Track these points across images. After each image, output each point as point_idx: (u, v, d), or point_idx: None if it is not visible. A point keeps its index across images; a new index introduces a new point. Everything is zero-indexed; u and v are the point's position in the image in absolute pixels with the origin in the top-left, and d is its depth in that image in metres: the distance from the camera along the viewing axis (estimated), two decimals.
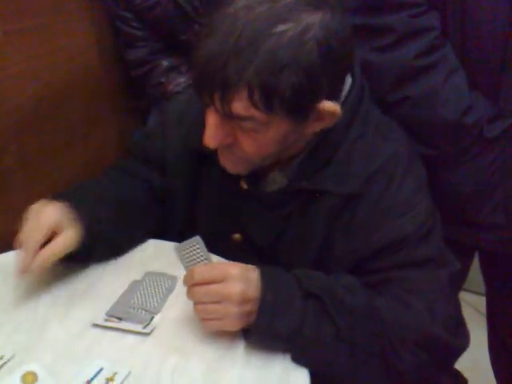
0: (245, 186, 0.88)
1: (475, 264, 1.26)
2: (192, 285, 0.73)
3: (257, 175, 0.88)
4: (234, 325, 0.73)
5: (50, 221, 0.80)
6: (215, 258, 0.86)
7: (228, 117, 0.71)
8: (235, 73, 0.66)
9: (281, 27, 0.66)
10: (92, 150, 1.06)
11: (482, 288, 1.31)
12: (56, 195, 0.87)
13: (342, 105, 0.79)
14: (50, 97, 1.25)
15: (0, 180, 1.18)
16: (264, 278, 0.74)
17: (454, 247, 1.03)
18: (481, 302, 1.46)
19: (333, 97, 0.74)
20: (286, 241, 0.88)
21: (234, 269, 0.73)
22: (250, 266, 0.75)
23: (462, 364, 1.57)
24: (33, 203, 1.22)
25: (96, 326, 0.79)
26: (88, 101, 1.36)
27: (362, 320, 0.75)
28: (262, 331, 0.73)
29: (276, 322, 0.72)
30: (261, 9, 0.66)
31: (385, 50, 0.92)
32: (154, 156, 0.96)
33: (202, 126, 0.85)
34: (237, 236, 0.91)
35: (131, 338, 0.78)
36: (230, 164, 0.81)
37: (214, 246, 0.88)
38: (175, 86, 1.36)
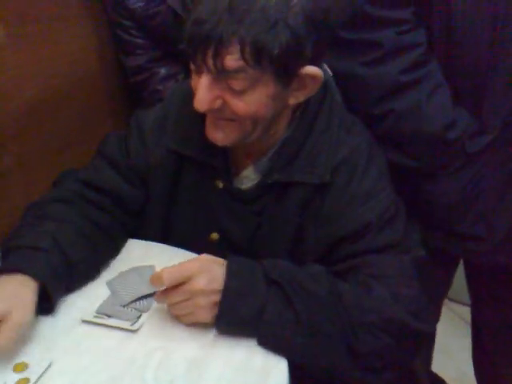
0: (220, 185, 0.93)
1: (463, 275, 1.29)
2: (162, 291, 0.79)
3: (230, 174, 0.93)
4: (205, 316, 0.79)
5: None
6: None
7: (220, 73, 0.76)
8: (229, 29, 0.72)
9: None
10: (90, 152, 1.09)
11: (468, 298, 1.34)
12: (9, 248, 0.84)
13: (308, 101, 0.86)
14: (49, 100, 1.28)
15: None
16: (229, 267, 0.79)
17: (438, 255, 1.06)
18: (469, 312, 1.49)
19: (315, 64, 0.80)
20: (261, 235, 0.92)
21: (197, 265, 0.78)
22: (215, 259, 0.81)
23: (447, 374, 1.60)
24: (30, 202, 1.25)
25: (85, 322, 0.82)
26: (87, 105, 1.39)
27: (322, 304, 0.78)
28: (225, 317, 0.78)
29: (238, 308, 0.77)
30: None
31: (372, 65, 0.95)
32: (136, 168, 0.96)
33: (180, 128, 0.93)
34: (214, 235, 0.95)
35: (119, 335, 0.81)
36: (220, 135, 0.84)
37: (192, 247, 0.93)
38: None
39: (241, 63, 0.74)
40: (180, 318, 0.81)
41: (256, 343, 0.79)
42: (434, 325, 0.87)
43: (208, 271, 0.78)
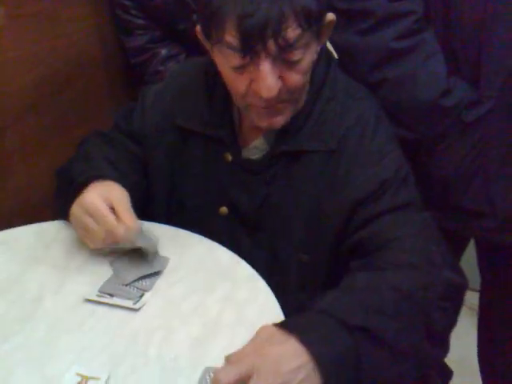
0: (229, 158, 0.93)
1: (467, 259, 1.28)
2: None
3: (239, 146, 0.93)
4: None
5: (103, 201, 0.84)
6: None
7: (282, 50, 0.77)
8: (283, 7, 0.74)
9: None
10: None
11: (473, 283, 1.34)
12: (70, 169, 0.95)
13: (314, 70, 0.87)
14: (50, 81, 1.27)
15: (0, 160, 1.20)
16: (300, 334, 0.66)
17: (445, 235, 1.05)
18: (470, 296, 1.49)
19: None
20: (270, 205, 0.92)
21: (259, 359, 0.64)
22: (270, 338, 0.67)
23: (449, 356, 1.60)
24: (32, 183, 1.26)
25: (88, 301, 0.83)
26: (87, 86, 1.39)
27: (398, 313, 0.73)
28: None
29: (342, 370, 0.66)
30: None
31: (366, 33, 0.95)
32: (135, 133, 1.02)
33: (181, 104, 0.96)
34: (223, 209, 0.95)
35: (121, 313, 0.81)
36: (278, 118, 0.85)
37: (201, 222, 0.93)
38: None
39: (298, 31, 0.76)
40: None
41: (259, 322, 0.78)
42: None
43: (267, 355, 0.64)
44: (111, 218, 0.83)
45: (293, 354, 0.64)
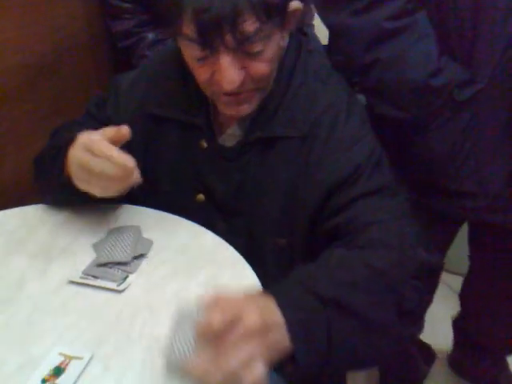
0: (205, 145, 0.94)
1: (453, 245, 1.29)
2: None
3: (214, 133, 0.94)
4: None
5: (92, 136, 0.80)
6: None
7: (239, 44, 0.77)
8: (235, 3, 0.74)
9: None
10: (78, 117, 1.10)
11: (457, 267, 1.35)
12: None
13: (284, 56, 0.88)
14: (37, 66, 1.27)
15: None
16: (278, 298, 0.67)
17: (437, 218, 1.05)
18: (455, 281, 1.51)
19: None
20: (246, 192, 0.93)
21: (241, 298, 0.66)
22: (256, 295, 0.69)
23: (433, 340, 1.63)
24: (21, 170, 1.26)
25: (72, 282, 0.83)
26: (74, 71, 1.38)
27: (370, 287, 0.74)
28: (305, 353, 0.66)
29: (312, 339, 0.67)
30: None
31: (359, 13, 0.95)
32: (110, 121, 0.99)
33: (156, 91, 0.96)
34: (200, 197, 0.96)
35: (105, 295, 0.82)
36: (244, 107, 0.86)
37: (178, 209, 0.93)
38: None
39: (257, 24, 0.76)
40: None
41: None
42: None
43: (258, 306, 0.65)
44: (118, 153, 0.77)
45: (275, 307, 0.66)
